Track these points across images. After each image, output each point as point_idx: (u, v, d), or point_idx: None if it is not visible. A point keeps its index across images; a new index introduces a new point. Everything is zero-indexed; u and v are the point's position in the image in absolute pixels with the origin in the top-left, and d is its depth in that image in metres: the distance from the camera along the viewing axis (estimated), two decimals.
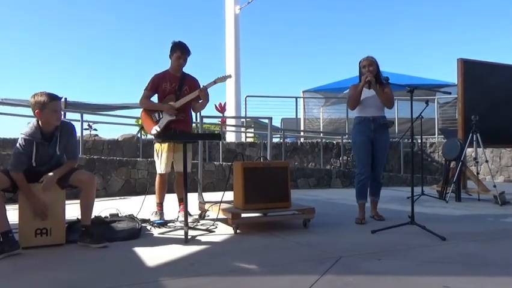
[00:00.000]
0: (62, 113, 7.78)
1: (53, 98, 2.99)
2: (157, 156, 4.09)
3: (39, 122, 3.02)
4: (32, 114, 3.04)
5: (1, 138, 8.79)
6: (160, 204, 4.13)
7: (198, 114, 5.46)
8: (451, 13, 43.86)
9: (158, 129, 3.93)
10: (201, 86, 4.04)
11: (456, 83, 6.71)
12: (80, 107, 9.88)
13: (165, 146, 4.03)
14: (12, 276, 2.40)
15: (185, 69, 4.18)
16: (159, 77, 4.08)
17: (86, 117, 9.32)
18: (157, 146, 4.11)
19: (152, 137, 4.23)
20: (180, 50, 4.02)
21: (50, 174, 3.02)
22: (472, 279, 2.29)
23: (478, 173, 6.14)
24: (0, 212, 2.85)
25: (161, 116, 3.99)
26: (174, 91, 4.03)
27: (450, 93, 7.90)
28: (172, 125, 3.99)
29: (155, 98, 4.13)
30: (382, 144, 4.18)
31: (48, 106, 2.96)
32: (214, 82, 4.01)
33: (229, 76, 4.10)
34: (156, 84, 4.06)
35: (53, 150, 3.09)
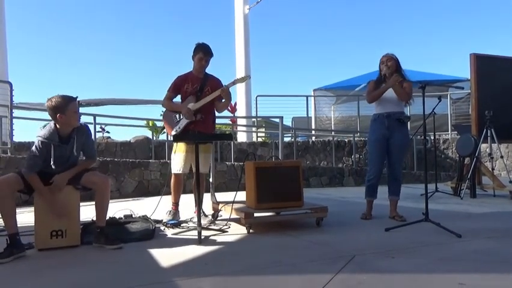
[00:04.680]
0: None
1: (71, 99, 3.05)
2: (174, 156, 4.12)
3: (57, 125, 3.06)
4: (46, 117, 3.08)
5: (16, 142, 8.93)
6: (176, 204, 4.14)
7: None
8: (463, 7, 43.27)
9: (177, 131, 4.01)
10: (223, 86, 4.08)
11: (469, 78, 6.62)
12: (92, 105, 9.99)
13: (182, 146, 4.05)
14: (27, 278, 2.44)
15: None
16: (181, 78, 4.15)
17: (98, 120, 9.42)
18: (174, 146, 4.15)
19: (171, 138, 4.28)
20: (203, 52, 4.07)
21: (61, 174, 3.04)
22: (489, 277, 2.26)
23: (493, 169, 6.06)
24: (11, 214, 2.86)
25: (180, 118, 4.07)
26: (195, 92, 4.07)
27: (463, 88, 7.79)
28: (191, 126, 4.03)
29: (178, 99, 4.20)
30: (398, 141, 4.07)
31: (69, 107, 3.01)
32: (234, 83, 4.07)
33: (248, 77, 4.16)
34: (178, 86, 4.13)
35: (70, 152, 3.12)
